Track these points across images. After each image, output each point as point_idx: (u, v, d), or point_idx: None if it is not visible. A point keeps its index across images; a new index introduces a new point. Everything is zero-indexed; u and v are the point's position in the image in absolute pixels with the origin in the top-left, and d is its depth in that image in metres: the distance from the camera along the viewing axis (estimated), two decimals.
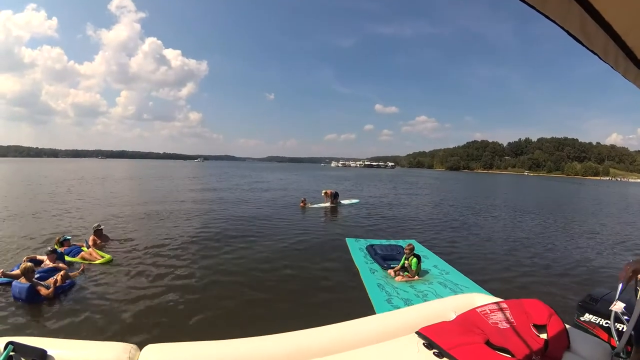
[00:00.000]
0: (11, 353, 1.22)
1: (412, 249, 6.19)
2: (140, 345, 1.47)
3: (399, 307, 4.66)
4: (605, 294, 3.41)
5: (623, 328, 1.84)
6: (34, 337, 1.43)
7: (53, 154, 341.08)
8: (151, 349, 1.47)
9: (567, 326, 1.81)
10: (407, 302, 4.93)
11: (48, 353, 1.27)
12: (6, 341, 1.26)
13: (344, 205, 16.59)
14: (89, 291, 5.36)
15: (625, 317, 2.25)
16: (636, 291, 1.79)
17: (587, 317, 3.26)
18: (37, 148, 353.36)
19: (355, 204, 17.40)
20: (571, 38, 0.82)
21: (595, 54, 0.89)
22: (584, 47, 0.86)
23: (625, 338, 1.71)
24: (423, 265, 6.63)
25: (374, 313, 4.52)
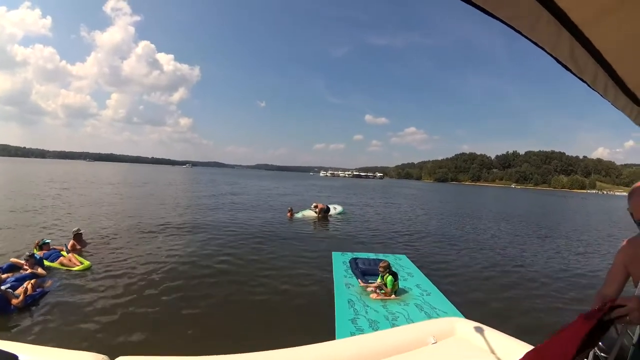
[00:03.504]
0: None
1: (387, 266, 5.94)
2: (112, 357, 1.47)
3: (362, 329, 4.56)
4: None
5: None
6: (5, 341, 1.44)
7: (41, 154, 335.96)
8: None
9: None
10: (373, 324, 4.76)
11: (20, 358, 1.25)
12: None
13: (329, 214, 16.48)
14: (64, 299, 5.28)
15: None
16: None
17: None
18: (24, 148, 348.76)
19: (340, 212, 17.36)
20: (560, 65, 0.84)
21: (584, 81, 0.90)
22: (573, 75, 0.87)
23: None
24: (405, 284, 6.46)
25: (334, 330, 4.47)
